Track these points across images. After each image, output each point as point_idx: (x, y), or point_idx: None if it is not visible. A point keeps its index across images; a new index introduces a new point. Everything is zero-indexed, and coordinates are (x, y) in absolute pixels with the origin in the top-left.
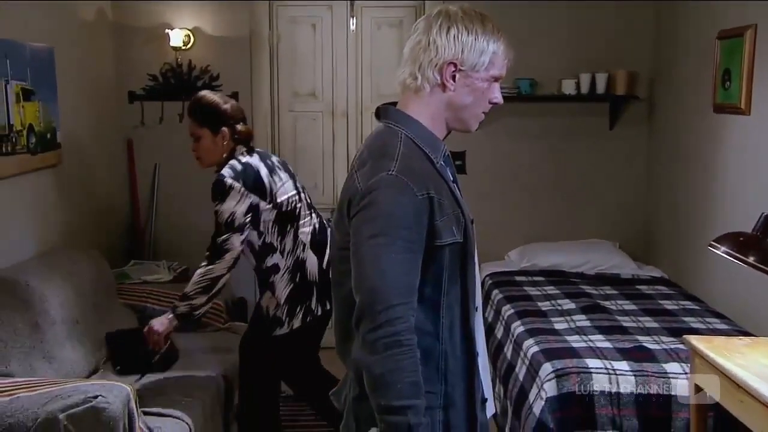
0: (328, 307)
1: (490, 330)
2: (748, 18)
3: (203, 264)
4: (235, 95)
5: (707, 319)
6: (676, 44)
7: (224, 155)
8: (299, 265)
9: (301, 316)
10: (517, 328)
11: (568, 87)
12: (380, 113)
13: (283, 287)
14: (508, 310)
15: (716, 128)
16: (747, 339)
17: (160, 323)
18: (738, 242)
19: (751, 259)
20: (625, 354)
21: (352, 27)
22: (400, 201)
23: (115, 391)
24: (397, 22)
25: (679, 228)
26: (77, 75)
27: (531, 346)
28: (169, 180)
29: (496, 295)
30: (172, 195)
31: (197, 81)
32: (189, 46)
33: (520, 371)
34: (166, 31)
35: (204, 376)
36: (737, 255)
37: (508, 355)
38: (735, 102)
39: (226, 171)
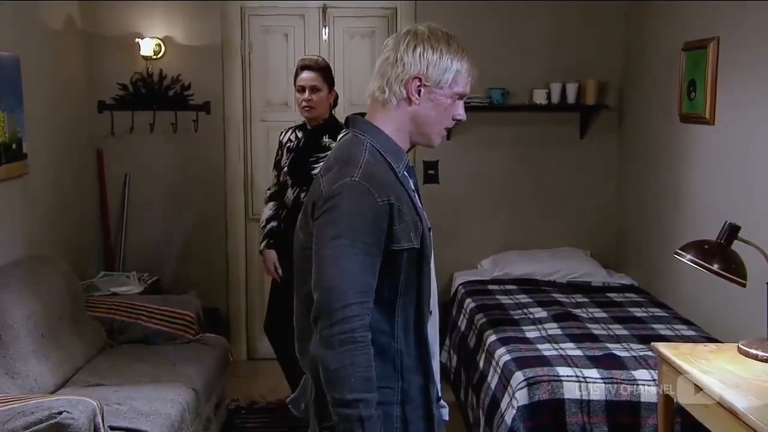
0: None
1: (463, 339)
2: (711, 30)
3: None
4: (206, 105)
5: (675, 326)
6: (644, 55)
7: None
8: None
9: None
10: (490, 336)
11: (540, 97)
12: (349, 122)
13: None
14: (480, 319)
15: (682, 138)
16: (712, 345)
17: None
18: (703, 250)
19: (715, 267)
20: (595, 361)
21: (325, 37)
22: (361, 205)
23: (81, 407)
24: (369, 32)
25: (649, 236)
26: (45, 84)
27: (503, 355)
28: (140, 190)
29: (469, 303)
30: (143, 206)
31: (168, 90)
32: (160, 55)
33: (492, 380)
34: (137, 40)
35: (172, 389)
36: (702, 263)
37: (481, 364)
38: (700, 112)
39: None
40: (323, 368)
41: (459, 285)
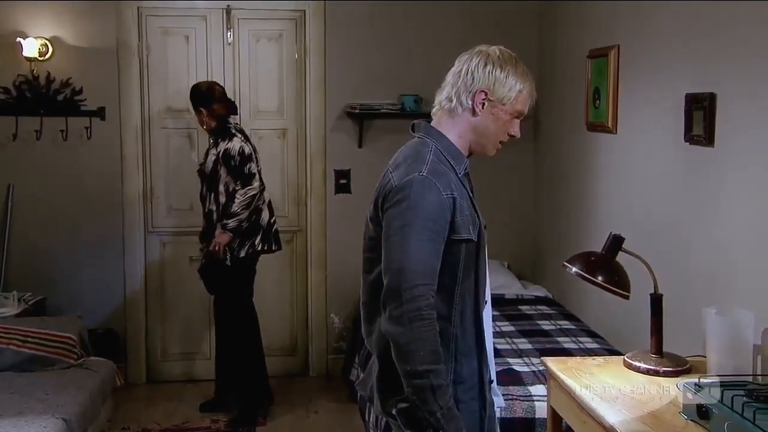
0: (266, 247)
1: (368, 356)
2: (613, 38)
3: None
4: (101, 111)
5: (581, 339)
6: (556, 63)
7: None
8: (256, 211)
9: (246, 248)
10: None
11: None
12: (415, 128)
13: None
14: None
15: (590, 147)
16: (600, 359)
17: (220, 237)
18: (588, 262)
19: (599, 279)
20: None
21: (229, 40)
22: (428, 197)
23: None
24: (276, 35)
25: (561, 246)
26: None
27: None
28: (25, 202)
29: None
30: (29, 219)
31: (57, 95)
32: (47, 56)
33: None
34: (18, 39)
35: (38, 421)
36: (586, 275)
37: None
38: (603, 120)
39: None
40: (394, 344)
41: None
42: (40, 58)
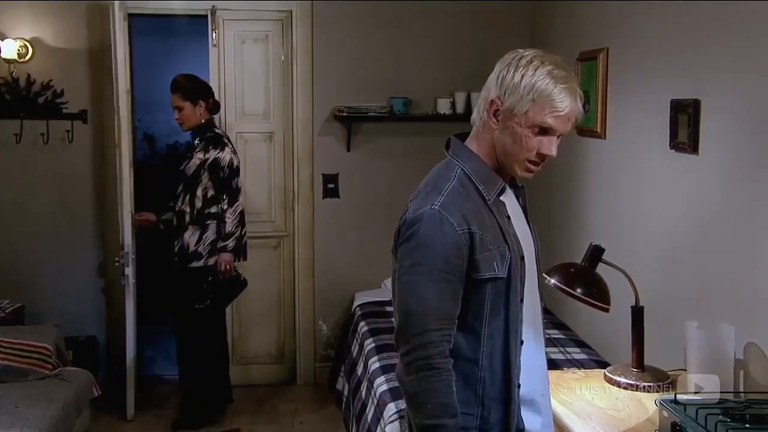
0: (238, 260)
1: (353, 365)
2: (602, 40)
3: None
4: (83, 114)
5: (569, 349)
6: None
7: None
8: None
9: (216, 257)
10: (373, 364)
11: (444, 106)
12: (447, 145)
13: (213, 231)
14: (369, 344)
15: (580, 152)
16: (581, 372)
17: (224, 258)
18: (568, 273)
19: (577, 291)
20: None
21: (214, 41)
22: (439, 234)
23: None
24: (262, 36)
25: (553, 253)
26: None
27: (381, 385)
28: (5, 207)
29: (363, 327)
30: (7, 224)
31: (38, 97)
32: (27, 58)
33: (369, 412)
34: None
35: None
36: (565, 287)
37: (363, 394)
38: (592, 125)
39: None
40: (404, 392)
41: (357, 306)
42: (19, 60)
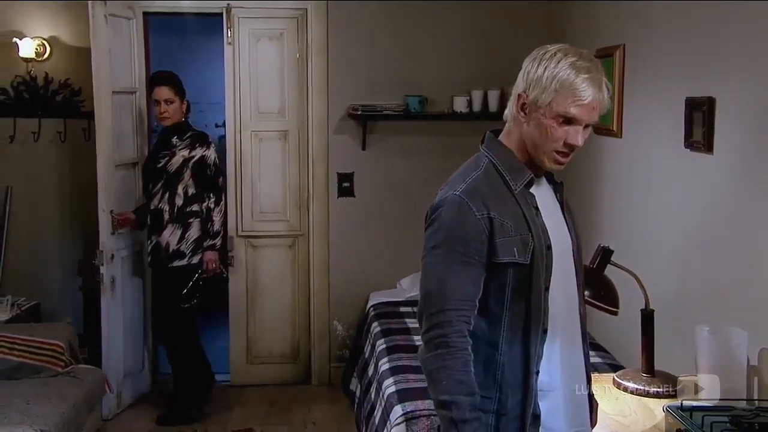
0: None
1: (365, 366)
2: (619, 37)
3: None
4: None
5: None
6: None
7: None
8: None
9: (200, 255)
10: (383, 365)
11: (460, 104)
12: (483, 139)
13: (197, 229)
14: (380, 345)
15: (596, 150)
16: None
17: (211, 256)
18: None
19: (585, 294)
20: None
21: (228, 39)
22: (459, 218)
23: None
24: (277, 34)
25: None
26: None
27: (389, 386)
28: (23, 205)
29: (375, 328)
30: (26, 221)
31: (56, 96)
32: (45, 57)
33: (377, 413)
34: (14, 40)
35: (17, 430)
36: None
37: (372, 395)
38: (609, 124)
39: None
40: (423, 369)
41: (371, 307)
42: (37, 59)
